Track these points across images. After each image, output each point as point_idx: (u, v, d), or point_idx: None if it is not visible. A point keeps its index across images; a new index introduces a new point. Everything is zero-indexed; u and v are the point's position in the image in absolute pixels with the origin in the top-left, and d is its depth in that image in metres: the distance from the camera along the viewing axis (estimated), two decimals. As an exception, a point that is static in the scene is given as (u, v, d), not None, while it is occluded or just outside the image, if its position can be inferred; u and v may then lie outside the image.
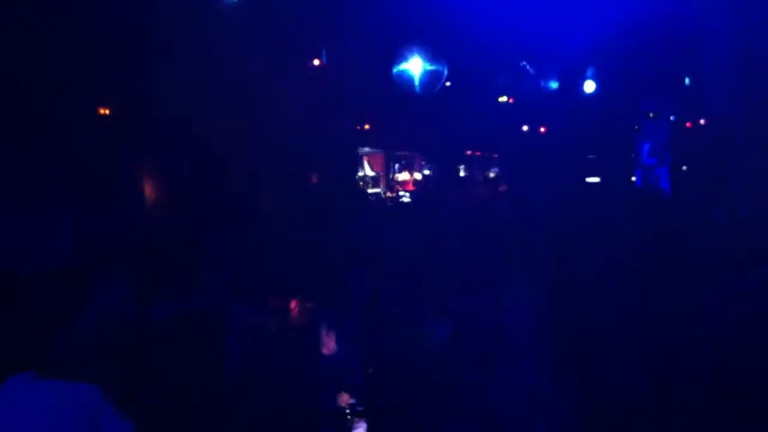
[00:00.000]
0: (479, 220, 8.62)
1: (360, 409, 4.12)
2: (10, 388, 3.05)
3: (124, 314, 4.68)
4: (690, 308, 4.99)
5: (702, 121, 9.52)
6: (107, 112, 8.52)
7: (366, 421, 4.08)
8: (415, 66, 9.77)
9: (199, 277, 5.40)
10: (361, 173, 14.29)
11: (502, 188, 11.54)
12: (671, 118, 11.53)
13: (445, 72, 9.73)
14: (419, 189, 14.18)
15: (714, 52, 8.47)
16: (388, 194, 14.56)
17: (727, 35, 8.17)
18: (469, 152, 14.26)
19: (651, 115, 11.58)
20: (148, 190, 8.92)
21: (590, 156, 12.20)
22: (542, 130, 13.10)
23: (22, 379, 3.07)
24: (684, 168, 10.50)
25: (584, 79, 11.29)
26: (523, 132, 13.30)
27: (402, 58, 9.80)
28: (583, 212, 8.18)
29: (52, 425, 2.98)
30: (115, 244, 6.04)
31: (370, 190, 14.27)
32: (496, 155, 14.21)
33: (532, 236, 6.72)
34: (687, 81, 10.01)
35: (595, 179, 11.76)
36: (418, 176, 14.88)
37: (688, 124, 10.53)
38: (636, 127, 12.11)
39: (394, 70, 9.86)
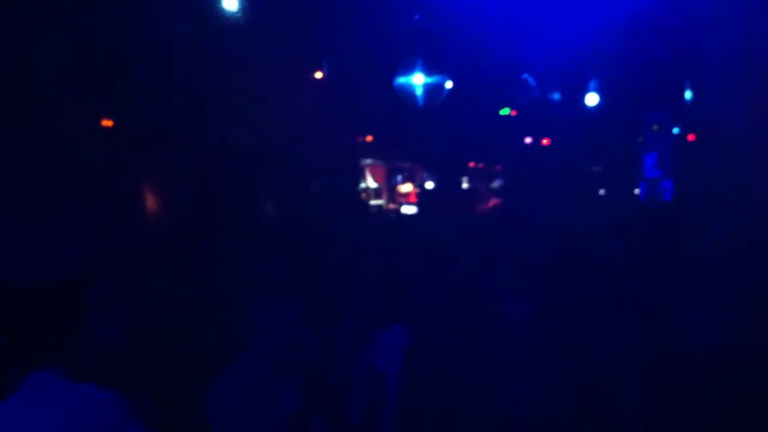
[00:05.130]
0: (481, 232, 8.59)
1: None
2: (36, 385, 2.86)
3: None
4: (688, 323, 4.98)
5: (703, 133, 9.50)
6: (108, 120, 8.55)
7: None
8: (417, 78, 9.79)
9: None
10: (363, 185, 14.31)
11: (503, 200, 11.54)
12: (675, 130, 11.51)
13: (448, 84, 9.75)
14: (422, 201, 14.18)
15: (715, 63, 8.45)
16: (391, 206, 14.57)
17: (728, 45, 8.15)
18: (471, 164, 14.25)
19: (655, 127, 11.56)
20: (149, 198, 8.89)
21: (594, 168, 12.17)
22: (545, 142, 13.08)
23: (47, 378, 2.91)
24: (686, 180, 10.47)
25: (587, 91, 11.29)
26: (525, 144, 13.28)
27: (405, 69, 9.83)
28: (585, 224, 8.13)
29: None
30: (115, 252, 5.97)
31: (372, 202, 14.30)
32: (499, 167, 14.20)
33: (533, 248, 6.65)
34: (689, 93, 10.00)
35: (600, 191, 11.74)
36: (420, 188, 14.88)
37: (690, 137, 10.51)
38: (640, 139, 12.09)
39: (397, 82, 9.88)
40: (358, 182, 13.71)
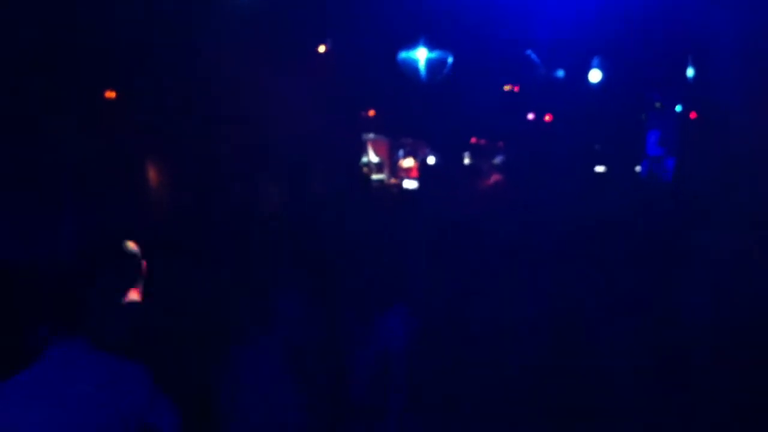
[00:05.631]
0: (483, 212, 8.59)
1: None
2: (63, 353, 2.98)
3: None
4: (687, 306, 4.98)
5: (704, 112, 9.47)
6: (111, 96, 8.53)
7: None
8: (420, 53, 9.77)
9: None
10: (365, 159, 14.33)
11: (504, 177, 11.52)
12: (678, 108, 11.49)
13: (450, 60, 9.73)
14: (423, 176, 14.19)
15: (717, 42, 8.41)
16: (392, 180, 14.59)
17: (730, 25, 8.09)
18: (473, 140, 14.24)
19: (658, 104, 11.55)
20: (150, 186, 8.85)
21: (596, 146, 12.15)
22: (547, 118, 13.07)
23: (75, 346, 3.02)
24: (687, 159, 10.46)
25: (590, 68, 11.25)
26: (528, 121, 13.27)
27: (407, 45, 9.80)
28: (587, 203, 8.14)
29: (100, 405, 2.94)
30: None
31: (374, 176, 14.32)
32: (500, 143, 14.18)
33: (533, 230, 6.61)
34: (692, 71, 9.96)
35: (601, 169, 11.74)
36: (422, 163, 14.90)
37: (692, 115, 10.49)
38: (642, 116, 12.09)
39: (400, 57, 9.86)
40: (359, 158, 13.73)
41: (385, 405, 4.11)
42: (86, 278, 4.73)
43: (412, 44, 9.91)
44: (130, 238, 5.85)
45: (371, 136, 14.32)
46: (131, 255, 4.88)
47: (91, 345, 3.06)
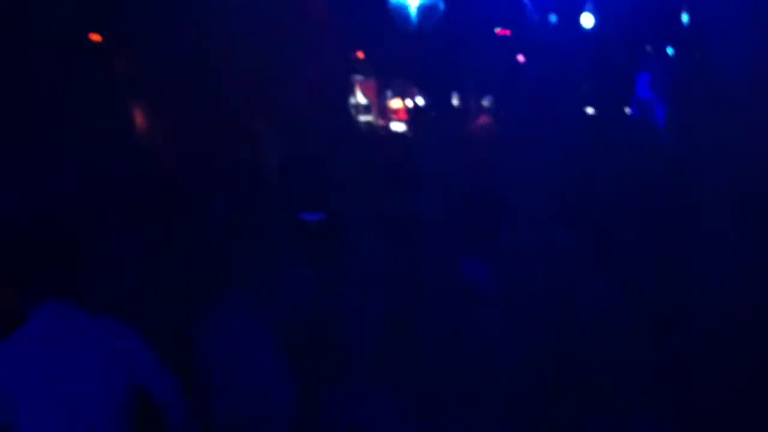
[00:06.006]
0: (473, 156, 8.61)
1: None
2: (51, 317, 2.89)
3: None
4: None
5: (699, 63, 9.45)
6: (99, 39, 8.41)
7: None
8: (411, -2, 9.66)
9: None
10: (353, 101, 14.22)
11: (493, 119, 11.54)
12: (669, 51, 11.48)
13: (442, 4, 9.64)
14: (412, 117, 14.14)
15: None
16: (380, 122, 14.53)
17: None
18: (463, 83, 14.14)
19: (648, 48, 11.52)
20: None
21: (586, 87, 12.12)
22: (538, 62, 13.00)
23: (62, 309, 2.94)
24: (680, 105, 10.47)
25: (582, 11, 11.17)
26: (518, 64, 13.21)
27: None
28: (576, 147, 8.10)
29: (92, 368, 2.89)
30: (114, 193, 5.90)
31: (361, 118, 14.24)
32: (490, 86, 14.09)
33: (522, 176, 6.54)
34: (686, 17, 9.92)
35: (591, 111, 11.74)
36: (411, 104, 14.80)
37: (686, 63, 10.47)
38: (634, 61, 12.06)
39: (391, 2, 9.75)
40: (348, 101, 13.63)
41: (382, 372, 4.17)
42: (86, 234, 4.75)
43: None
44: (130, 195, 5.84)
45: (359, 77, 14.21)
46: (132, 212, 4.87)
47: (80, 308, 2.98)
